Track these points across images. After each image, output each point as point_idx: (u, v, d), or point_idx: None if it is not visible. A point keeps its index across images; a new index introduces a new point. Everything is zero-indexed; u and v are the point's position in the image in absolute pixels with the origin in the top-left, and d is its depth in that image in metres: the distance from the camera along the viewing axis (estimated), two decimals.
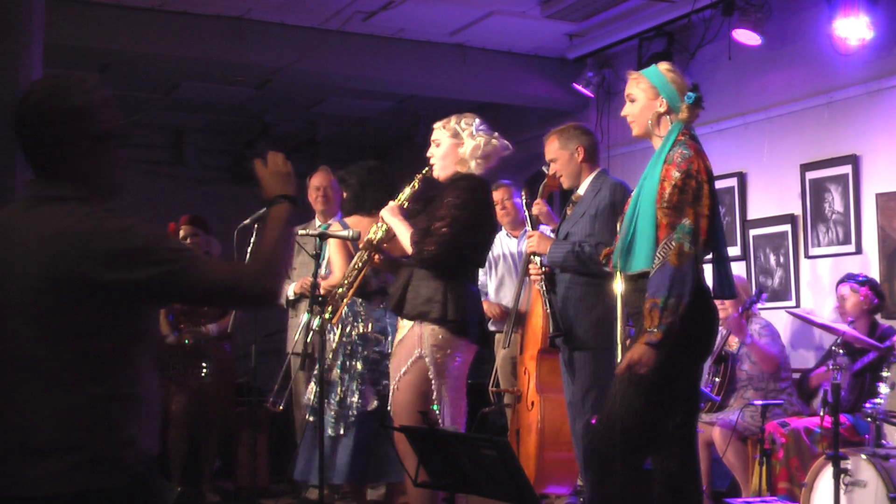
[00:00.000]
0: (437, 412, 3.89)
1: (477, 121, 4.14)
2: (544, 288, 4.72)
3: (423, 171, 4.20)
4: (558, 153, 4.87)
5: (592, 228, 4.66)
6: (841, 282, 5.64)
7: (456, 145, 4.08)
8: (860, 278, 5.57)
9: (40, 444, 2.28)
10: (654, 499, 3.65)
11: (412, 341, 3.97)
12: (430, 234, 3.95)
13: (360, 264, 4.34)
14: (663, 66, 3.77)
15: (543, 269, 4.74)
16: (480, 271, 6.20)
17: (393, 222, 4.15)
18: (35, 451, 2.28)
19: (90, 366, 2.29)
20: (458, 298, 3.93)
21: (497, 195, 6.25)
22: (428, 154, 4.18)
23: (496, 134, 4.16)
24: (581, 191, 4.82)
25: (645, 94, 3.71)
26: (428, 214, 4.04)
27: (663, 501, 3.69)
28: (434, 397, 3.91)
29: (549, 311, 4.65)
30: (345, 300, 4.40)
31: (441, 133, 4.12)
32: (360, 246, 4.40)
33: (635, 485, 3.55)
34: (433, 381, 3.90)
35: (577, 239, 4.64)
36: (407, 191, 4.21)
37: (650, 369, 3.42)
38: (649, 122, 3.70)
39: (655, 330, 3.42)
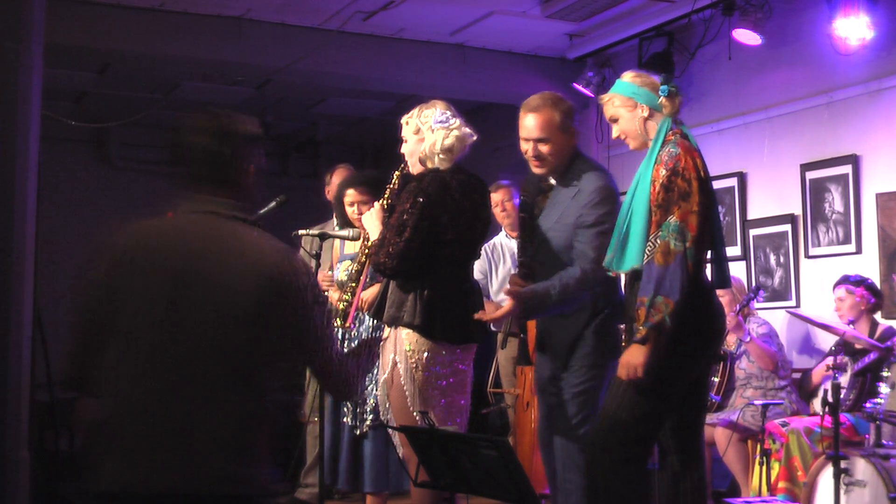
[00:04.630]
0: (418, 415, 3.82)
1: (437, 112, 3.96)
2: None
3: (400, 168, 4.14)
4: (556, 134, 3.97)
5: (571, 239, 3.93)
6: (837, 284, 5.64)
7: (419, 141, 3.97)
8: (855, 279, 5.57)
9: (232, 444, 2.45)
10: (653, 495, 3.65)
11: (390, 346, 3.94)
12: (384, 244, 3.85)
13: (359, 266, 4.32)
14: (629, 75, 3.76)
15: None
16: (480, 273, 6.21)
17: (370, 226, 4.10)
18: (228, 451, 2.44)
19: (259, 373, 2.49)
20: (430, 300, 3.82)
21: (496, 197, 6.24)
22: (401, 150, 4.12)
23: (457, 123, 3.96)
24: (554, 181, 4.06)
25: (625, 109, 3.70)
26: (387, 221, 3.97)
27: (666, 501, 3.69)
28: (410, 402, 3.86)
29: (521, 337, 4.28)
30: (354, 302, 4.37)
31: (406, 129, 4.02)
32: (360, 248, 4.38)
33: (628, 478, 3.55)
34: (405, 386, 3.86)
35: (557, 246, 3.95)
36: (388, 190, 4.18)
37: (644, 368, 3.43)
38: (639, 131, 3.69)
39: (640, 328, 3.44)
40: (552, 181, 4.06)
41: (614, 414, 3.55)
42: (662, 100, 3.66)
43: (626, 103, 3.70)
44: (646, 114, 3.68)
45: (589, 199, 3.90)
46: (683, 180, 3.50)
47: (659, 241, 3.47)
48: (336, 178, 5.98)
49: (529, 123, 3.99)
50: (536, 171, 4.05)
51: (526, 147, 4.00)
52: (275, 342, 2.48)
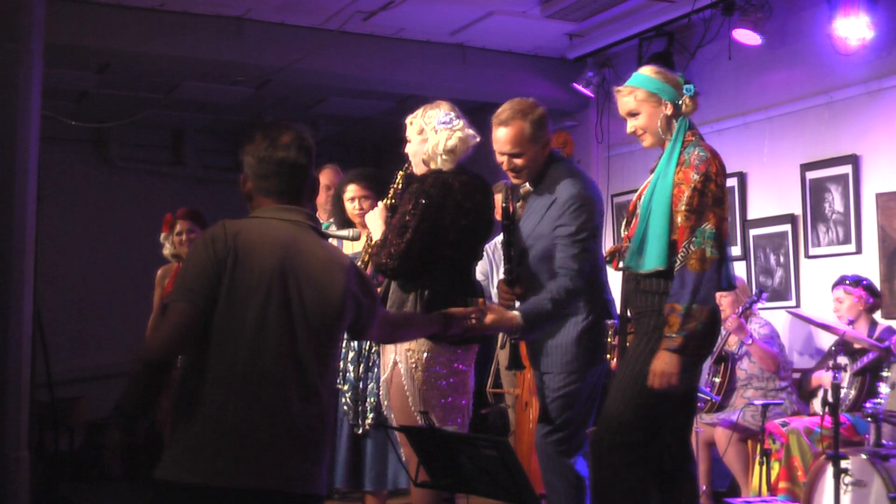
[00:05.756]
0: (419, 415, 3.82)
1: (441, 113, 3.94)
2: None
3: (404, 168, 4.13)
4: (528, 146, 3.87)
5: (549, 248, 3.90)
6: (835, 285, 5.64)
7: (423, 141, 3.95)
8: (853, 279, 5.58)
9: (310, 443, 2.59)
10: (647, 493, 3.65)
11: (390, 346, 3.94)
12: (385, 245, 3.84)
13: (362, 265, 4.31)
14: (651, 70, 3.70)
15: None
16: (481, 274, 6.19)
17: (373, 226, 4.10)
18: (307, 450, 2.59)
19: (332, 371, 2.71)
20: (430, 300, 3.80)
21: (500, 198, 6.23)
22: (405, 150, 4.11)
23: (461, 124, 3.94)
24: (537, 189, 4.00)
25: (648, 104, 3.63)
26: (390, 221, 3.97)
27: (657, 498, 3.69)
28: (410, 402, 3.86)
29: (511, 342, 4.12)
30: None
31: (410, 129, 4.00)
32: (363, 247, 4.37)
33: (634, 479, 3.54)
34: (405, 386, 3.87)
35: (536, 256, 3.94)
36: (391, 190, 4.17)
37: (675, 375, 3.44)
38: (660, 129, 3.63)
39: (675, 335, 3.42)
40: (529, 188, 4.03)
41: (620, 416, 3.54)
42: (686, 98, 3.63)
43: (651, 98, 3.63)
44: (669, 111, 3.62)
45: (565, 208, 3.83)
46: (717, 186, 3.49)
47: (694, 248, 3.45)
48: (323, 179, 5.95)
49: (501, 136, 3.89)
50: (514, 181, 4.02)
51: (501, 159, 3.95)
52: (339, 341, 2.73)
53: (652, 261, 3.55)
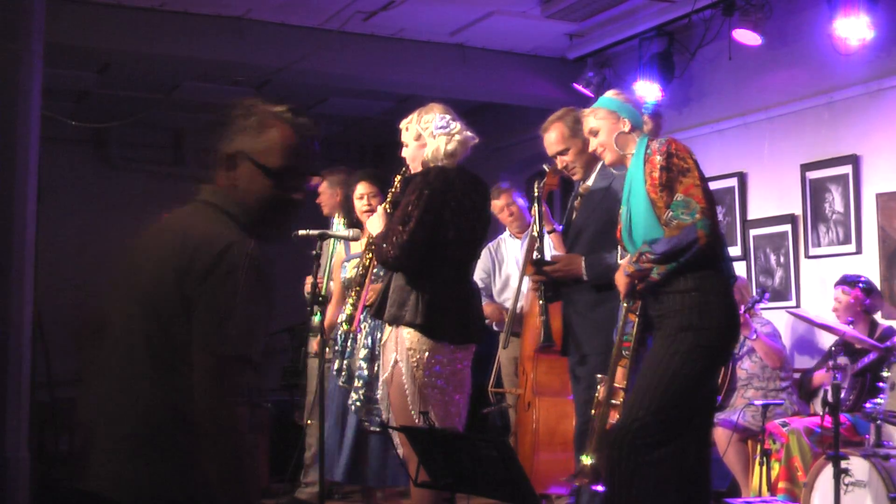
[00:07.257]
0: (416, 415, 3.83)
1: (437, 117, 3.99)
2: (542, 295, 4.33)
3: (402, 172, 4.15)
4: (570, 142, 4.32)
5: (608, 221, 4.15)
6: (835, 284, 5.66)
7: (420, 147, 3.99)
8: (851, 279, 5.59)
9: (126, 443, 2.28)
10: (665, 493, 3.66)
11: (391, 346, 3.95)
12: (388, 235, 3.87)
13: (363, 270, 4.32)
14: (612, 92, 3.92)
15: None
16: (483, 272, 6.20)
17: (374, 229, 4.11)
18: (120, 450, 2.29)
19: (176, 372, 2.28)
20: (431, 300, 3.84)
21: (500, 202, 6.24)
22: (402, 154, 4.13)
23: (458, 127, 3.99)
24: (590, 182, 4.33)
25: (606, 121, 3.81)
26: (390, 216, 3.99)
27: (673, 498, 3.68)
28: (410, 401, 3.86)
29: (542, 319, 4.31)
30: (359, 305, 4.37)
31: (406, 135, 4.04)
32: (363, 250, 4.38)
33: (650, 478, 3.55)
34: (406, 385, 3.87)
35: (591, 234, 4.21)
36: (390, 194, 4.18)
37: (683, 369, 3.52)
38: (616, 145, 3.78)
39: (635, 265, 3.60)
40: (588, 184, 4.31)
41: (641, 417, 3.56)
42: (646, 117, 3.80)
43: (610, 116, 3.81)
44: (627, 128, 3.78)
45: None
46: (679, 158, 3.62)
47: (673, 221, 3.56)
48: (327, 185, 5.96)
49: (547, 142, 4.35)
50: (575, 178, 4.38)
51: (557, 162, 4.36)
52: (185, 328, 2.27)
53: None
